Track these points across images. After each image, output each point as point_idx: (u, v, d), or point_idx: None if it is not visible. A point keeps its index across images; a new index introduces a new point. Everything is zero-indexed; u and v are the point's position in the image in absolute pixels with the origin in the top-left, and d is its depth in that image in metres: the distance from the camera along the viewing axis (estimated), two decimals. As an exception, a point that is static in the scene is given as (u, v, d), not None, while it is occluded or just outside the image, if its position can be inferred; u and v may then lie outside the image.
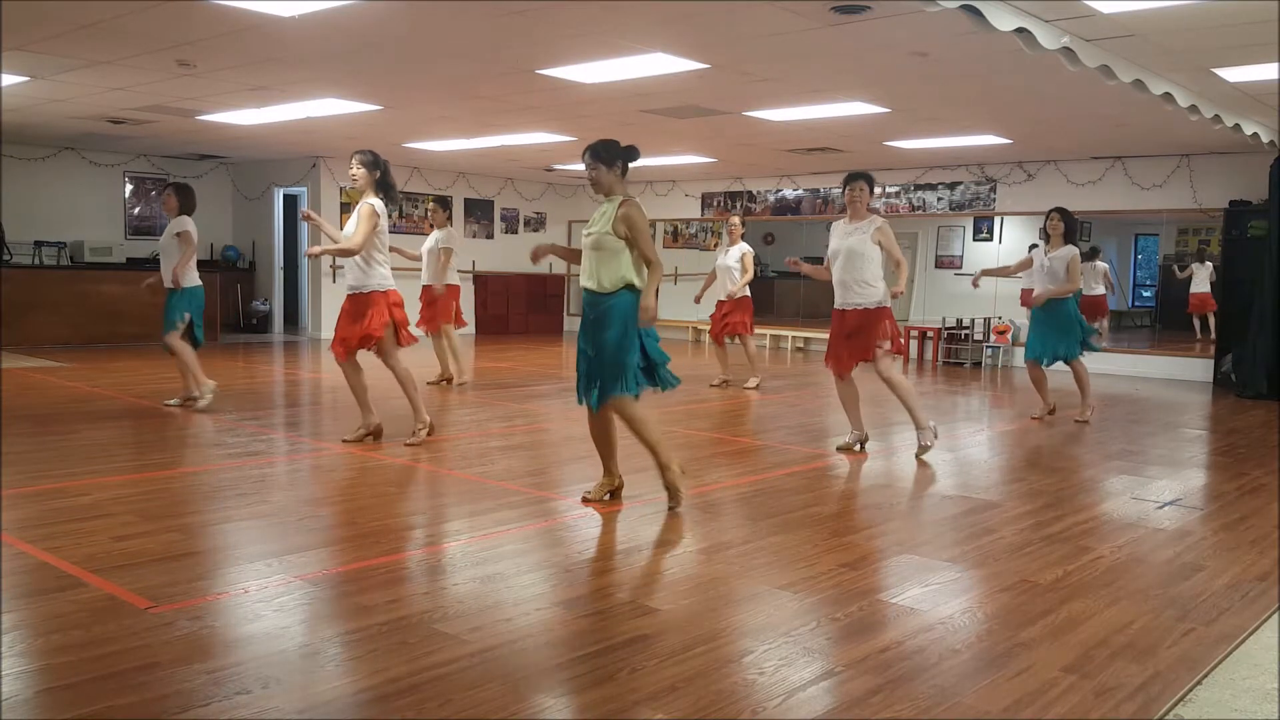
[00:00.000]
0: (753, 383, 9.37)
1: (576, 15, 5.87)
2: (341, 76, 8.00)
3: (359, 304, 5.97)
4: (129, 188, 13.90)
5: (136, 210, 14.03)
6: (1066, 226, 7.36)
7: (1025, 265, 7.78)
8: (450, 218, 9.15)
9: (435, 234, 8.93)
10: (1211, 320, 14.02)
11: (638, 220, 4.44)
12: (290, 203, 14.61)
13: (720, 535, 4.25)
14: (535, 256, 4.90)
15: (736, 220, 9.35)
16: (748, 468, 5.75)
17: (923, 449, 6.07)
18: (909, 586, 3.58)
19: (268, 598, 3.29)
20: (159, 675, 2.65)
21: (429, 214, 9.26)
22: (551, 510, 4.58)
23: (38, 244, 12.60)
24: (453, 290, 9.00)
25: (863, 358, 6.04)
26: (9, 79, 8.24)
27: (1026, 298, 14.32)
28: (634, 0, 5.56)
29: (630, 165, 4.56)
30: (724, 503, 4.90)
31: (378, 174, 6.04)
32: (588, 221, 4.60)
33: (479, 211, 15.64)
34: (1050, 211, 7.51)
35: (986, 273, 8.05)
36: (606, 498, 4.72)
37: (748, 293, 9.28)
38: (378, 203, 5.98)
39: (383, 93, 8.65)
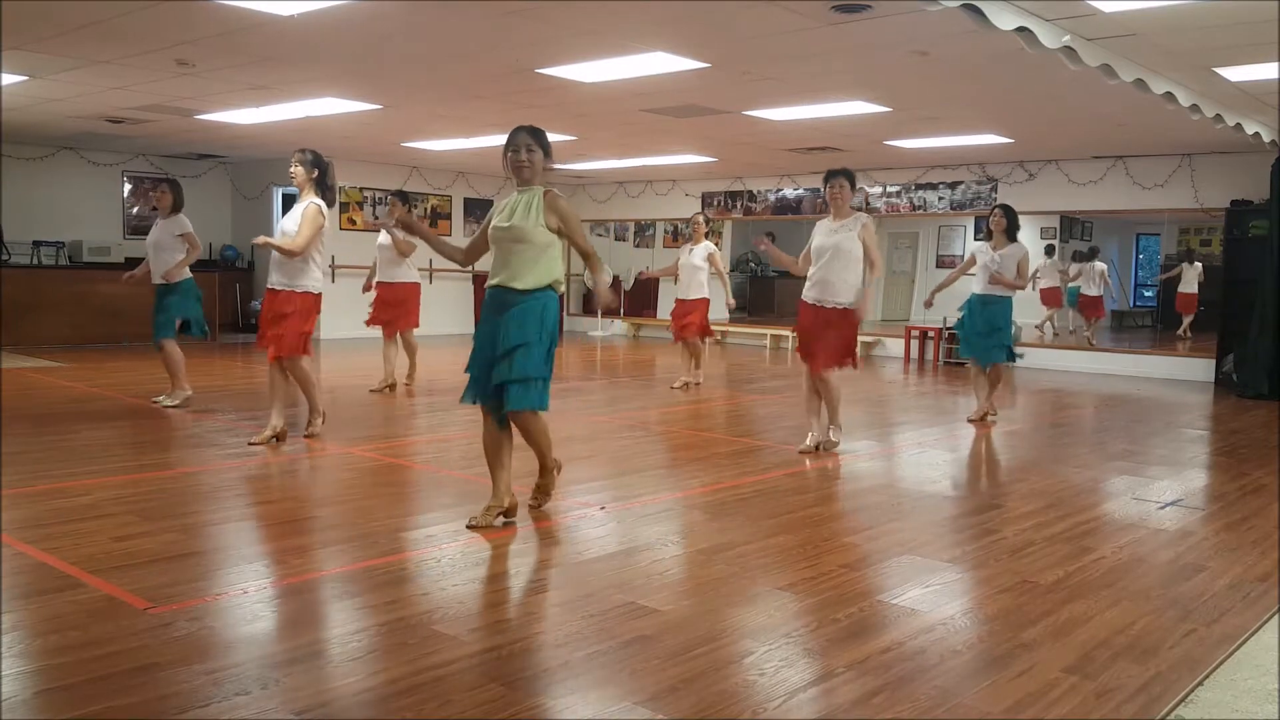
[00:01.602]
0: (680, 382, 9.16)
1: (576, 15, 5.86)
2: (341, 76, 8.00)
3: (285, 301, 5.95)
4: (127, 187, 13.89)
5: (135, 210, 14.01)
6: (1008, 223, 7.33)
7: (970, 264, 7.63)
8: (411, 211, 8.79)
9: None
10: (1187, 319, 14.18)
11: (569, 211, 4.17)
12: (289, 202, 14.56)
13: (720, 536, 4.24)
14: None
15: (701, 218, 9.13)
16: (748, 468, 5.74)
17: (831, 444, 6.18)
18: (910, 587, 3.57)
19: (267, 598, 3.28)
20: (158, 676, 2.64)
21: (389, 208, 8.91)
22: (551, 510, 4.57)
23: (36, 244, 12.59)
24: (416, 288, 8.66)
25: (839, 362, 6.04)
26: (9, 79, 8.23)
27: (1049, 297, 14.37)
28: (634, 0, 5.55)
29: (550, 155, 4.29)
30: (724, 503, 4.89)
31: (315, 173, 6.04)
32: (497, 212, 4.26)
33: (479, 211, 15.61)
34: (994, 207, 7.51)
35: (938, 290, 7.74)
36: (499, 521, 4.23)
37: (706, 294, 9.04)
38: (323, 205, 6.01)
39: (382, 92, 8.64)
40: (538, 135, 4.21)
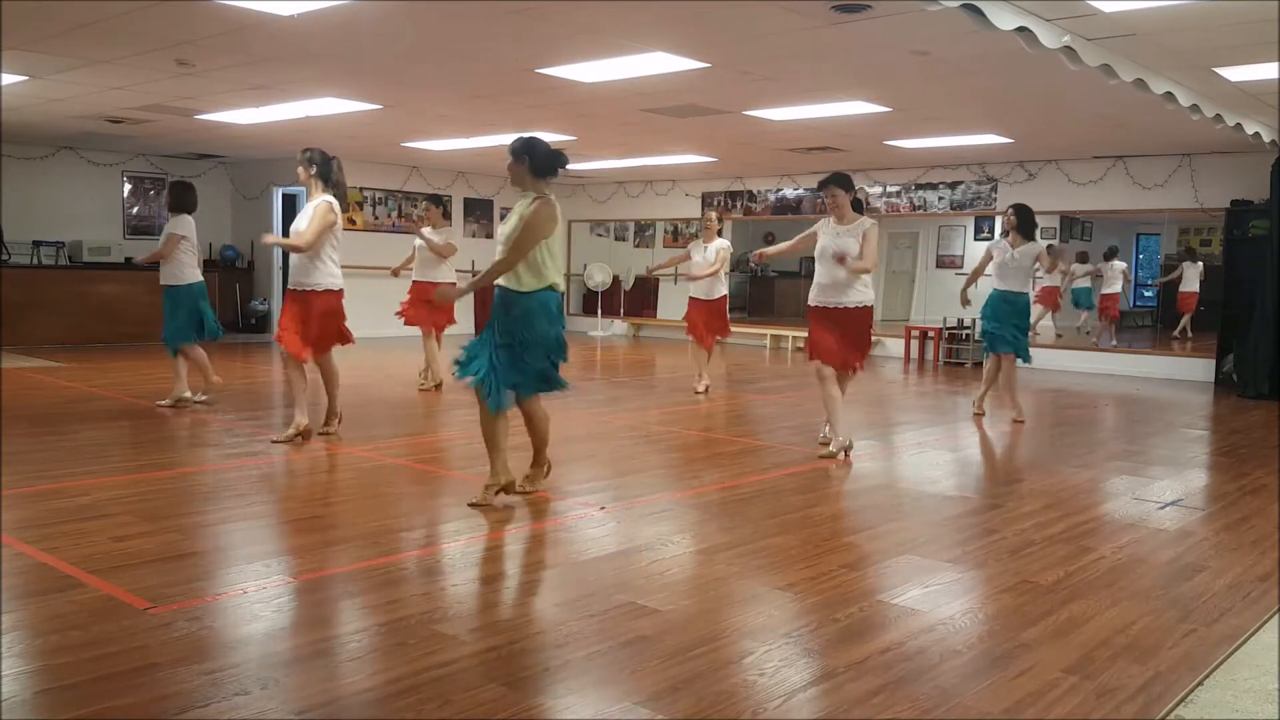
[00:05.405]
0: (704, 385, 8.91)
1: (576, 15, 5.86)
2: (341, 76, 7.99)
3: (307, 302, 6.03)
4: (127, 187, 13.88)
5: (135, 210, 14.00)
6: (1020, 221, 7.52)
7: (987, 261, 7.77)
8: (446, 215, 9.10)
9: (428, 231, 8.69)
10: (1186, 318, 14.19)
11: (531, 220, 4.30)
12: (289, 202, 14.57)
13: (720, 536, 4.24)
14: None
15: (713, 215, 9.02)
16: (748, 468, 5.74)
17: (842, 447, 6.01)
18: (910, 587, 3.57)
19: (267, 598, 3.28)
20: (158, 676, 2.64)
21: (425, 212, 9.12)
22: (551, 510, 4.58)
23: (36, 244, 12.58)
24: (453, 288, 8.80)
25: (862, 355, 6.10)
26: (8, 79, 8.23)
27: (1045, 296, 14.36)
28: (634, 0, 5.55)
29: (541, 166, 4.44)
30: (724, 503, 4.89)
31: (314, 169, 6.06)
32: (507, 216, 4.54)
33: (478, 211, 15.62)
34: (1009, 207, 7.70)
35: (966, 287, 7.97)
36: (499, 500, 4.62)
37: (725, 292, 8.94)
38: (334, 201, 6.07)
39: (382, 92, 8.63)
40: (521, 142, 4.44)
